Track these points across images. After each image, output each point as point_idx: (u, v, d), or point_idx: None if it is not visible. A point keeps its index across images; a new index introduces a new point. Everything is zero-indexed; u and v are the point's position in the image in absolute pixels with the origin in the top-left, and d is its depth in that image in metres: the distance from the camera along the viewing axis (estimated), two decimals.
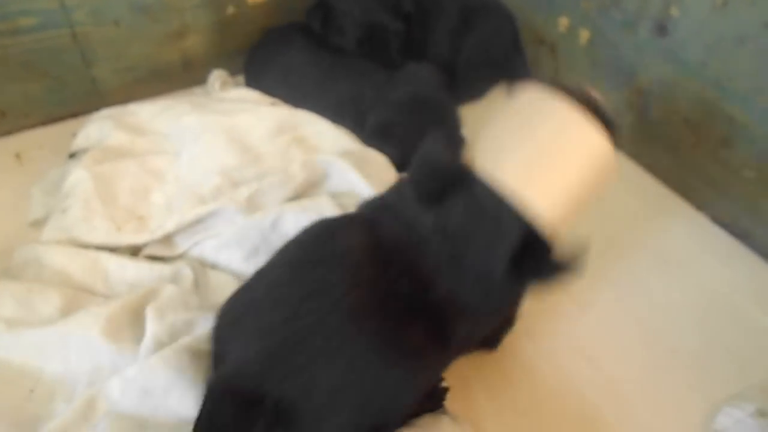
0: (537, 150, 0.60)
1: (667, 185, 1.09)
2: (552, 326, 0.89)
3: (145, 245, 0.87)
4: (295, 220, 0.86)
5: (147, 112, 1.03)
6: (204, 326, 0.72)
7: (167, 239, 0.87)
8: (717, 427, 0.77)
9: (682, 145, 1.04)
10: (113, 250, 0.86)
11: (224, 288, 0.82)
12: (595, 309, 0.91)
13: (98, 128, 1.00)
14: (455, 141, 0.71)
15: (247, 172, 0.92)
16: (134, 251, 0.87)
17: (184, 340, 0.69)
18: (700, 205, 1.05)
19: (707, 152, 1.00)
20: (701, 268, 0.97)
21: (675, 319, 0.90)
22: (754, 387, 0.81)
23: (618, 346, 0.86)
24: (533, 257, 0.59)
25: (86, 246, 0.84)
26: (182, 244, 0.87)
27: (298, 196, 0.90)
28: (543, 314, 0.91)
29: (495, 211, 0.58)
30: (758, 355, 0.86)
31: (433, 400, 0.73)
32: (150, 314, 0.72)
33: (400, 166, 0.98)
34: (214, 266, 0.85)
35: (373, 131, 1.00)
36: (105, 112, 1.04)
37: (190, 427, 0.63)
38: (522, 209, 0.58)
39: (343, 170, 0.93)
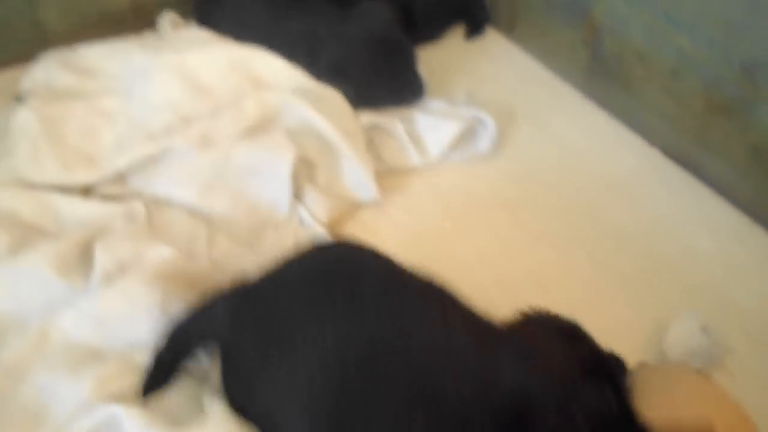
0: None
1: (621, 120, 1.11)
2: (506, 256, 0.91)
3: (96, 185, 0.86)
4: (249, 156, 0.86)
5: (95, 54, 1.01)
6: (154, 257, 0.71)
7: (119, 178, 0.86)
8: (664, 345, 0.79)
9: (634, 80, 1.05)
10: (64, 190, 0.84)
11: (178, 225, 0.82)
12: (547, 238, 0.93)
13: (45, 70, 0.98)
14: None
15: (199, 109, 0.91)
16: (86, 192, 0.86)
17: (137, 270, 0.69)
18: (652, 139, 1.07)
19: (658, 85, 1.01)
20: (651, 199, 1.00)
21: (624, 246, 0.92)
22: (699, 307, 0.84)
23: (568, 273, 0.89)
24: None
25: (36, 187, 0.83)
26: (135, 183, 0.86)
27: (252, 132, 0.89)
28: (497, 244, 0.92)
29: None
30: (702, 278, 0.89)
31: None
32: (98, 248, 0.72)
33: (355, 104, 0.98)
34: (168, 204, 0.84)
35: (328, 69, 0.99)
36: (52, 54, 1.01)
37: (144, 353, 0.64)
38: None
39: (299, 107, 0.92)
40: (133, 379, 0.61)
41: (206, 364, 0.65)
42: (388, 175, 0.99)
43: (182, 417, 0.59)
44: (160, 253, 0.72)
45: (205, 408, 0.60)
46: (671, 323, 0.81)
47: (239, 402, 0.58)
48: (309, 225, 0.87)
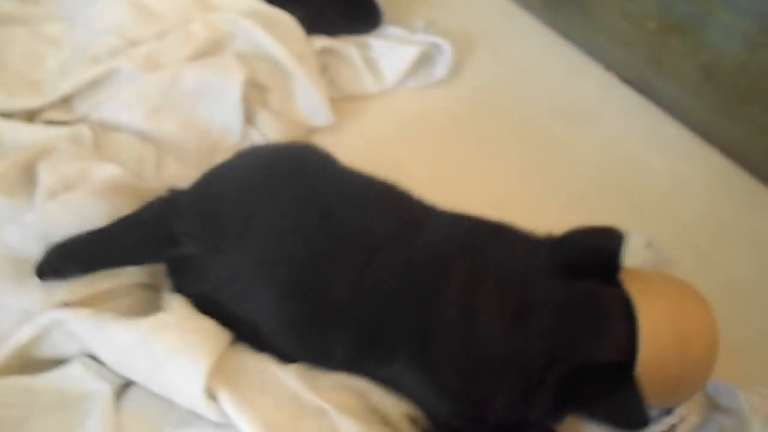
0: None
1: (579, 47, 1.11)
2: (461, 179, 0.91)
3: (41, 111, 0.83)
4: (197, 77, 0.84)
5: None
6: (101, 174, 0.70)
7: (65, 103, 0.84)
8: None
9: (590, 5, 1.04)
10: (7, 116, 0.82)
11: (126, 147, 0.80)
12: (503, 161, 0.94)
13: None
14: None
15: (145, 31, 0.88)
16: (30, 117, 0.83)
17: (83, 185, 0.67)
18: (608, 64, 1.07)
19: (613, 8, 1.01)
20: (606, 122, 1.01)
21: (578, 167, 0.93)
22: (648, 222, 0.85)
23: (523, 194, 0.90)
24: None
25: None
26: (81, 107, 0.83)
27: (200, 55, 0.87)
28: (455, 168, 0.93)
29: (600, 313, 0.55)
30: (652, 194, 0.90)
31: None
32: (42, 167, 0.70)
33: (309, 29, 0.96)
34: (115, 127, 0.82)
35: None
36: None
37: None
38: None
39: (250, 30, 0.90)
40: (81, 288, 0.60)
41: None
42: (344, 100, 0.98)
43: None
44: (107, 170, 0.71)
45: (163, 307, 0.60)
46: None
47: (194, 291, 0.59)
48: None
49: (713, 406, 0.64)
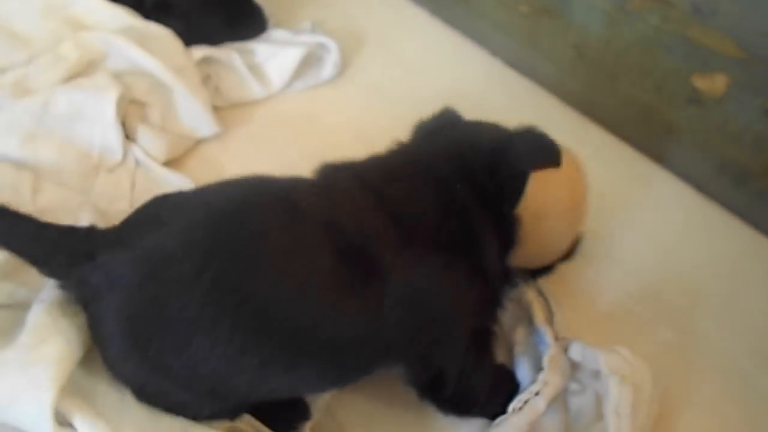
0: None
1: (465, 35, 1.12)
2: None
3: None
4: (68, 100, 0.83)
5: None
6: None
7: None
8: None
9: None
10: None
11: (1, 177, 0.79)
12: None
13: None
14: None
15: (14, 57, 0.87)
16: None
17: None
18: (493, 50, 1.09)
19: None
20: (494, 106, 1.01)
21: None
22: None
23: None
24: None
25: None
26: None
27: (72, 76, 0.87)
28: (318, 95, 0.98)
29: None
30: None
31: None
32: None
33: (188, 41, 0.96)
34: None
35: (153, 6, 0.96)
36: None
37: None
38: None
39: (124, 47, 0.89)
40: None
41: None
42: (231, 108, 0.98)
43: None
44: None
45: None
46: None
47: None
48: (145, 165, 0.86)
49: (576, 368, 0.67)
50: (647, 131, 0.92)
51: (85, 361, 0.58)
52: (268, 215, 0.57)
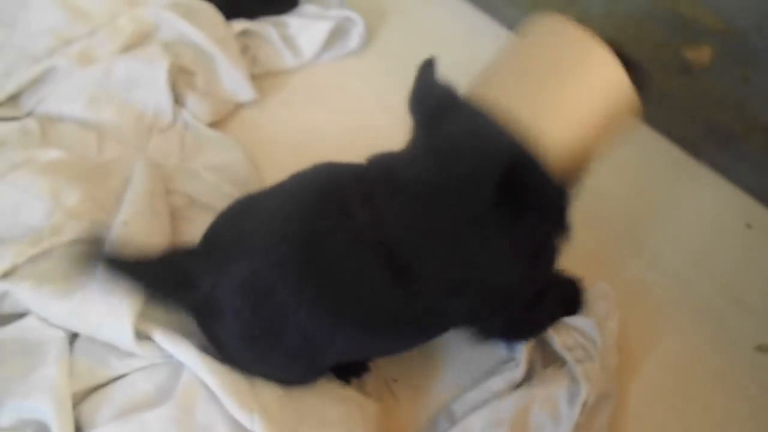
0: (547, 74, 0.59)
1: (482, 9, 1.21)
2: (375, 139, 1.00)
3: None
4: (126, 68, 0.95)
5: None
6: (44, 157, 0.82)
7: (12, 101, 0.94)
8: None
9: None
10: None
11: (69, 135, 0.91)
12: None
13: None
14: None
15: (77, 30, 0.98)
16: None
17: (26, 166, 0.79)
18: (505, 22, 1.18)
19: None
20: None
21: None
22: None
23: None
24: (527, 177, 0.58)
25: None
26: (27, 104, 0.94)
27: (128, 47, 0.98)
28: (367, 129, 1.04)
29: (484, 131, 0.59)
30: None
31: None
32: None
33: (226, 13, 1.06)
34: (59, 118, 0.93)
35: None
36: None
37: (40, 237, 0.75)
38: (517, 132, 0.57)
39: (173, 20, 1.00)
40: (25, 250, 0.72)
41: None
42: (266, 76, 1.09)
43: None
44: (50, 154, 0.83)
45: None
46: None
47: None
48: (193, 126, 0.98)
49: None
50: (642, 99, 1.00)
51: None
52: (336, 236, 0.62)
